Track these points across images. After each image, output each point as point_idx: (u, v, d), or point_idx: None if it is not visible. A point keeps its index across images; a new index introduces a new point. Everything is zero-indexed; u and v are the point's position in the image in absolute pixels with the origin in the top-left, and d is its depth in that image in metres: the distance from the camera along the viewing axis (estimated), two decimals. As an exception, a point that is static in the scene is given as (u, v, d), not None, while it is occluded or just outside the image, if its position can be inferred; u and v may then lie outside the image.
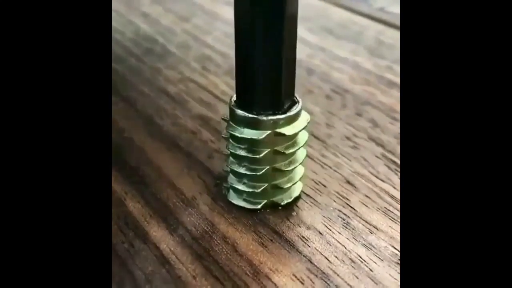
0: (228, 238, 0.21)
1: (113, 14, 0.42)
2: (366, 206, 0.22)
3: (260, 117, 0.21)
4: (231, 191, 0.22)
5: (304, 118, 0.22)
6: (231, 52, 0.35)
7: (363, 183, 0.23)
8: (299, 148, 0.22)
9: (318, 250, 0.20)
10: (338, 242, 0.20)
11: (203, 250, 0.20)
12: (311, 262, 0.20)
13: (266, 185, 0.21)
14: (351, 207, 0.22)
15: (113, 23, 0.40)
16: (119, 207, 0.22)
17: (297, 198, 0.22)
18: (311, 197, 0.23)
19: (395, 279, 0.19)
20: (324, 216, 0.22)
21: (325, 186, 0.23)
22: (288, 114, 0.21)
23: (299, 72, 0.33)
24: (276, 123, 0.21)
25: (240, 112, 0.21)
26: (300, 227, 0.21)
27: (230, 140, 0.22)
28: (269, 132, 0.21)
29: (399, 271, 0.19)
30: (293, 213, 0.22)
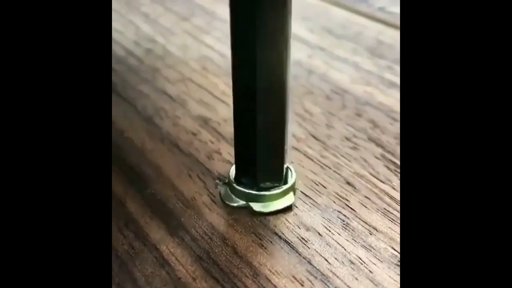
0: (228, 239, 0.21)
1: (113, 14, 0.42)
2: (366, 207, 0.22)
3: (234, 185, 0.22)
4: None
5: (288, 200, 0.22)
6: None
7: (363, 184, 0.23)
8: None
9: (317, 252, 0.20)
10: (338, 243, 0.20)
11: (203, 251, 0.20)
12: (310, 263, 0.20)
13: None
14: (351, 208, 0.22)
15: (113, 23, 0.40)
16: (119, 208, 0.22)
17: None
18: (310, 198, 0.23)
19: (394, 280, 0.19)
20: (323, 217, 0.22)
21: (324, 187, 0.23)
22: (262, 192, 0.21)
23: (299, 72, 0.33)
24: (248, 196, 0.22)
25: (230, 170, 0.22)
26: (299, 228, 0.21)
27: None
28: (242, 202, 0.22)
29: (398, 272, 0.19)
30: (292, 214, 0.22)
